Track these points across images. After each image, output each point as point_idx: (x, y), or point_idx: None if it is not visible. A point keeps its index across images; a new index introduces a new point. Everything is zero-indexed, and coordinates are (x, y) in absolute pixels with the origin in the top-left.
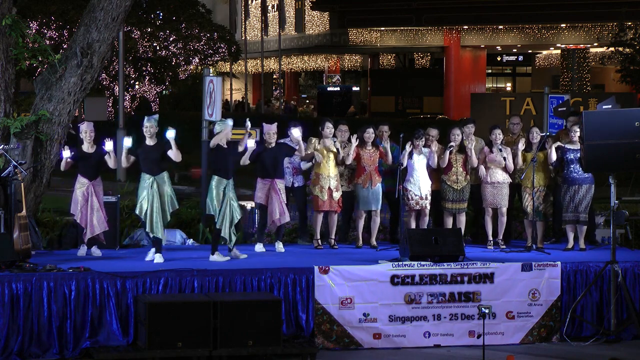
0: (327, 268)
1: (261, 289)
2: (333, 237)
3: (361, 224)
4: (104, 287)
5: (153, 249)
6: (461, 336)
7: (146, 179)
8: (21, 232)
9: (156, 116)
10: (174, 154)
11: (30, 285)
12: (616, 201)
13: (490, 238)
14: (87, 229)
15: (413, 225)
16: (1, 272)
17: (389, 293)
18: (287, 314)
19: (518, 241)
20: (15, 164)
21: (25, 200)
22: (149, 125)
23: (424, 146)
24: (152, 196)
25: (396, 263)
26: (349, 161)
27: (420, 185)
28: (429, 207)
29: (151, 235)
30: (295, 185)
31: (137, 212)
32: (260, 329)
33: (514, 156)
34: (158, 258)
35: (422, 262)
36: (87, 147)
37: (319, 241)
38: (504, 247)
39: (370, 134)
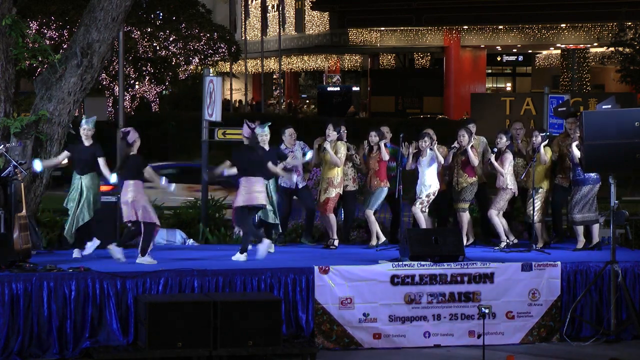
0: (327, 268)
1: (261, 289)
2: (334, 237)
3: (370, 222)
4: (104, 287)
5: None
6: (461, 336)
7: (76, 178)
8: (21, 232)
9: (94, 118)
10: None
11: (30, 285)
12: (616, 201)
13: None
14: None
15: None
16: (1, 272)
17: (389, 293)
18: (287, 314)
19: (518, 241)
20: (15, 164)
21: (25, 200)
22: (87, 128)
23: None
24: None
25: (396, 263)
26: (357, 161)
27: (422, 188)
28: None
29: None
30: (300, 186)
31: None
32: (260, 329)
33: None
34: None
35: (422, 262)
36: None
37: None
38: (504, 247)
39: (373, 137)
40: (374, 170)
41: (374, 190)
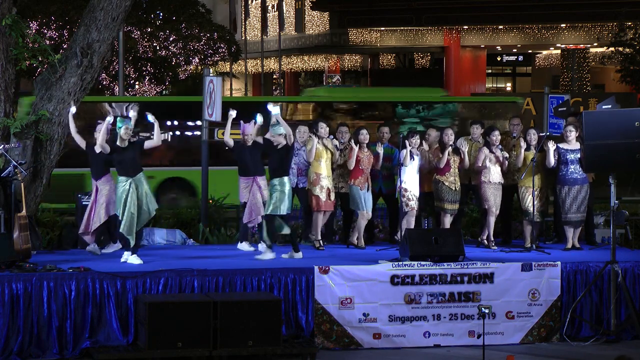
0: (327, 268)
1: (261, 289)
2: (321, 237)
3: (364, 224)
4: (104, 287)
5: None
6: (461, 336)
7: (123, 182)
8: (21, 232)
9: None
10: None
11: (30, 285)
12: (616, 201)
13: (492, 238)
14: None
15: (411, 225)
16: (1, 272)
17: (389, 293)
18: (287, 314)
19: (518, 241)
20: (15, 164)
21: (25, 200)
22: (128, 128)
23: (418, 147)
24: (130, 199)
25: (396, 263)
26: (351, 166)
27: (411, 187)
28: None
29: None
30: (300, 186)
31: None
32: (260, 329)
33: (516, 157)
34: (134, 259)
35: (422, 262)
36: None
37: (321, 242)
38: (495, 246)
39: (364, 135)
40: (369, 170)
41: (369, 190)
